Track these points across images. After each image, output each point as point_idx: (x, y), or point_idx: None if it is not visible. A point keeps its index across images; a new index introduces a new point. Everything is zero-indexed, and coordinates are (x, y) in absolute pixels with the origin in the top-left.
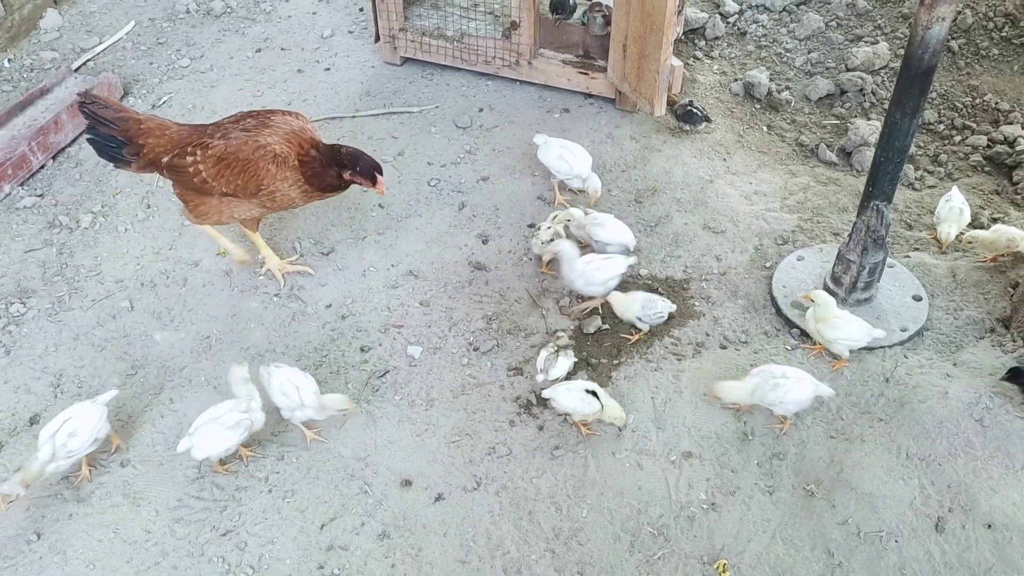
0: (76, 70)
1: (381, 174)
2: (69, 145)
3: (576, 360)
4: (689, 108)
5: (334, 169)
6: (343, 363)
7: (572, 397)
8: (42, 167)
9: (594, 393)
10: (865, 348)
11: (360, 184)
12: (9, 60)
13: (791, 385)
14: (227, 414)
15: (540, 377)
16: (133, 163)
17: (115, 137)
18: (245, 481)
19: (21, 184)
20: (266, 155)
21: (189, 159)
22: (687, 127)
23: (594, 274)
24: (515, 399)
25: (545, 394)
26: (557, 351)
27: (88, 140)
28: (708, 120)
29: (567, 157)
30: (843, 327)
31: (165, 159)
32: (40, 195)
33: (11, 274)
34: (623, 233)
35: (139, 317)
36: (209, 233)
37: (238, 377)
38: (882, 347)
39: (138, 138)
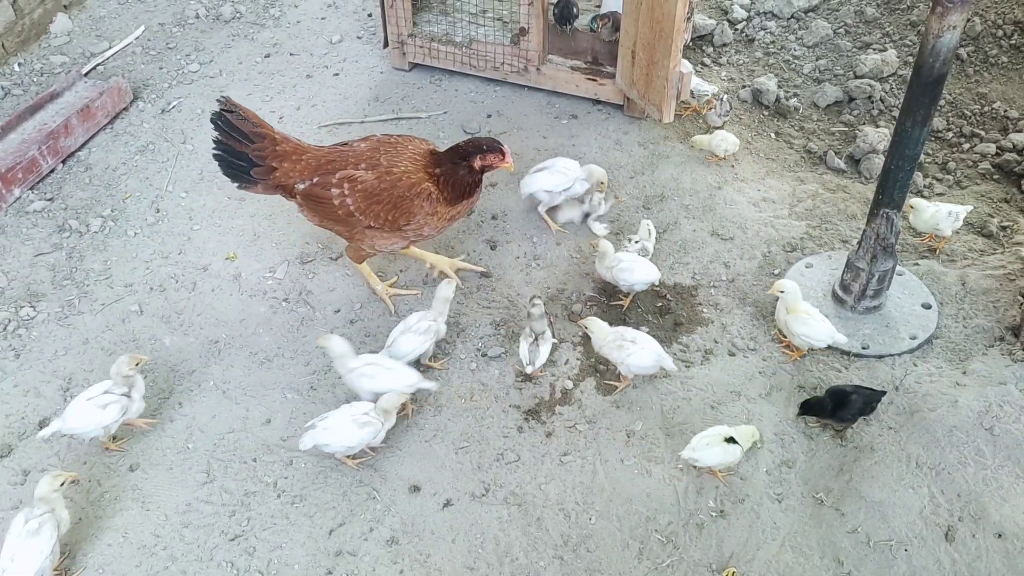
0: (86, 74)
1: (502, 145)
2: (79, 149)
3: (556, 342)
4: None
5: (463, 166)
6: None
7: (715, 453)
8: (52, 171)
9: (731, 439)
10: (874, 356)
11: (491, 167)
12: (19, 64)
13: (635, 350)
14: (418, 323)
15: (529, 370)
16: (260, 184)
17: (246, 155)
18: (254, 486)
19: (31, 188)
20: (420, 192)
21: (335, 191)
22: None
23: (361, 381)
24: (523, 405)
25: (685, 456)
26: (536, 339)
27: (214, 155)
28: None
29: (560, 169)
30: (811, 324)
31: (300, 186)
32: (50, 199)
33: (21, 278)
34: (649, 272)
35: (148, 321)
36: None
37: (444, 295)
38: (891, 355)
39: (272, 160)
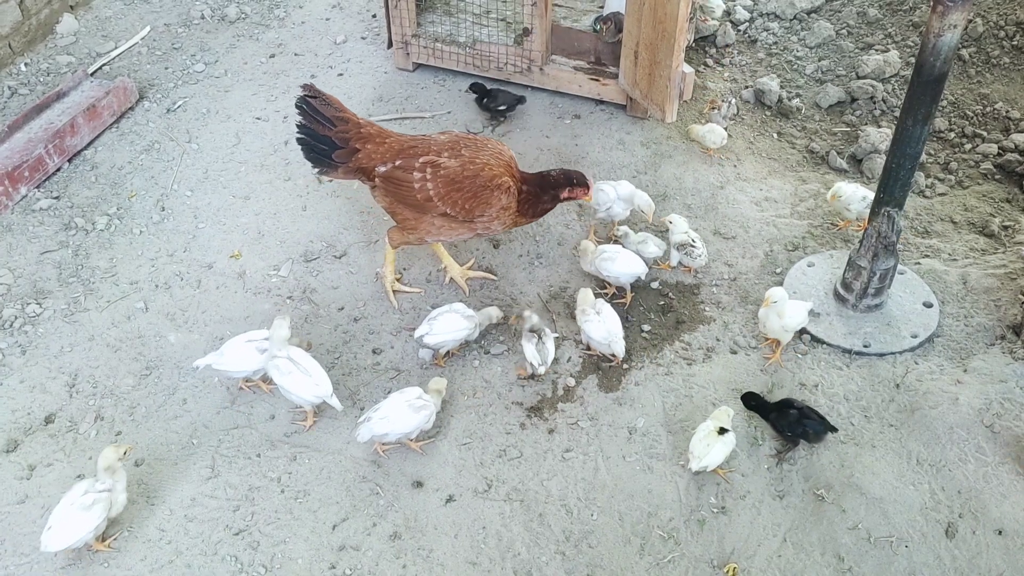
0: (92, 74)
1: (589, 180)
2: (85, 148)
3: (557, 335)
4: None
5: (549, 194)
6: (355, 365)
7: (719, 450)
8: (58, 170)
9: (724, 429)
10: (876, 354)
11: (576, 198)
12: (26, 64)
13: (592, 317)
14: (464, 309)
15: (542, 370)
16: (340, 168)
17: (329, 138)
18: (258, 481)
19: (37, 186)
20: (501, 185)
21: (417, 175)
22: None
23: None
24: (525, 402)
25: (696, 468)
26: (540, 338)
27: (298, 139)
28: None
29: (605, 188)
30: (785, 313)
31: (382, 168)
32: (56, 197)
33: (27, 275)
34: (634, 264)
35: (153, 318)
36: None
37: (489, 314)
38: (892, 353)
39: (355, 142)
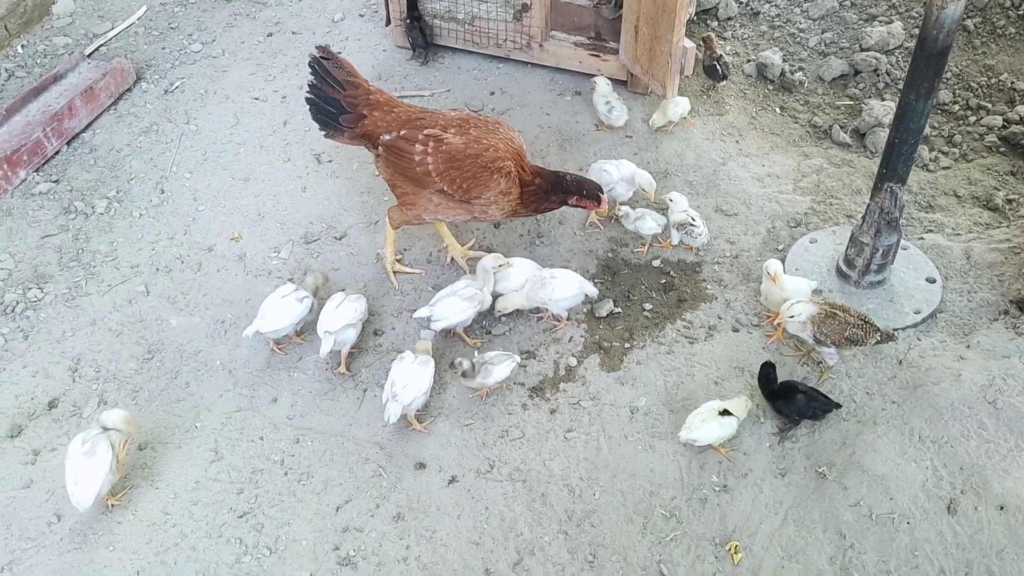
0: (89, 55)
1: (603, 192)
2: (83, 131)
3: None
4: (713, 64)
5: (557, 196)
6: (356, 346)
7: (712, 428)
8: (57, 153)
9: (727, 411)
10: None
11: (584, 207)
12: (22, 46)
13: (558, 284)
14: (464, 288)
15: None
16: (346, 132)
17: (338, 101)
18: (262, 464)
19: (36, 170)
20: (502, 168)
21: (419, 147)
22: (709, 81)
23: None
24: (527, 383)
25: (683, 437)
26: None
27: (307, 99)
28: (726, 78)
29: (608, 168)
30: (791, 286)
31: (386, 137)
32: (55, 181)
33: (28, 259)
34: (578, 287)
35: (154, 302)
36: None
37: (484, 267)
38: (895, 329)
39: (363, 108)
